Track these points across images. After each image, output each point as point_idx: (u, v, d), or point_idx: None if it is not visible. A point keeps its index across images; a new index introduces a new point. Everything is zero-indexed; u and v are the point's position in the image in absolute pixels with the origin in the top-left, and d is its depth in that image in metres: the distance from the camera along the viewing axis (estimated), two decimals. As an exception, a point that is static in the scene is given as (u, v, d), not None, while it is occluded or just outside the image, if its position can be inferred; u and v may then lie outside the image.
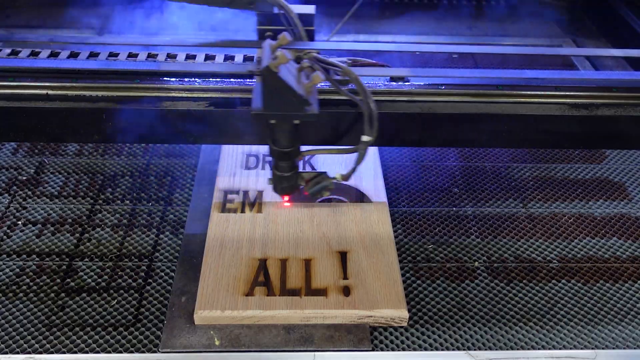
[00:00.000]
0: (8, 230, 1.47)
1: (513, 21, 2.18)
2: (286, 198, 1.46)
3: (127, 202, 1.57)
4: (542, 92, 1.22)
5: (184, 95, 1.18)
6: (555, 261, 1.45)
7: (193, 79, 1.20)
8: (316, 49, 1.23)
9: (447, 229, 1.52)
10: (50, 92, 1.16)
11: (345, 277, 1.31)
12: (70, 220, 1.51)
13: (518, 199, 1.62)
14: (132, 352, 1.21)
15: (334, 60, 1.17)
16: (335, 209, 1.47)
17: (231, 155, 1.63)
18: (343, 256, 1.35)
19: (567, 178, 1.70)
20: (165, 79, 1.21)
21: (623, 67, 1.72)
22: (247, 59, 1.30)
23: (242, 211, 1.46)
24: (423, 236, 1.50)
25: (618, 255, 1.47)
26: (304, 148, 1.23)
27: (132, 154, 1.73)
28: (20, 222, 1.50)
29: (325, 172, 1.29)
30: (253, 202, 1.49)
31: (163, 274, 1.38)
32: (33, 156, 1.71)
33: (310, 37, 1.29)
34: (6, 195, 1.58)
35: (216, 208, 1.47)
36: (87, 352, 1.21)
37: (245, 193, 1.51)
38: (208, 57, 1.31)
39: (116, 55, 1.29)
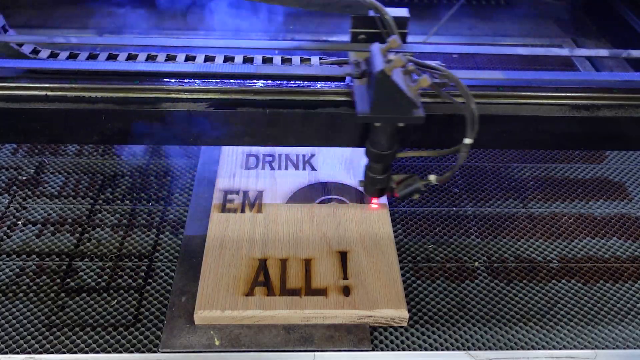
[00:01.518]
0: (8, 230, 1.47)
1: (513, 21, 2.19)
2: (375, 200, 1.46)
3: (127, 202, 1.57)
4: (543, 93, 1.22)
5: (184, 96, 1.18)
6: (555, 261, 1.45)
7: (192, 80, 1.20)
8: (415, 51, 1.24)
9: (447, 229, 1.52)
10: (49, 93, 1.16)
11: (345, 277, 1.31)
12: (70, 220, 1.51)
13: (518, 199, 1.62)
14: (132, 352, 1.21)
15: (431, 63, 1.18)
16: (335, 209, 1.47)
17: (231, 155, 1.63)
18: (343, 256, 1.35)
19: (567, 178, 1.70)
20: (165, 79, 1.20)
21: (623, 67, 1.72)
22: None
23: (242, 211, 1.46)
24: (423, 236, 1.50)
25: (618, 255, 1.47)
26: (403, 151, 1.23)
27: (132, 154, 1.73)
28: (20, 222, 1.50)
29: (416, 175, 1.28)
30: (253, 202, 1.49)
31: (163, 274, 1.38)
32: (33, 156, 1.71)
33: (403, 40, 1.30)
34: (6, 195, 1.58)
35: (216, 208, 1.47)
36: (87, 352, 1.21)
37: (245, 193, 1.51)
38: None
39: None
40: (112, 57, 1.30)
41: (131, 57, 1.30)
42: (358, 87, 1.16)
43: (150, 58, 1.31)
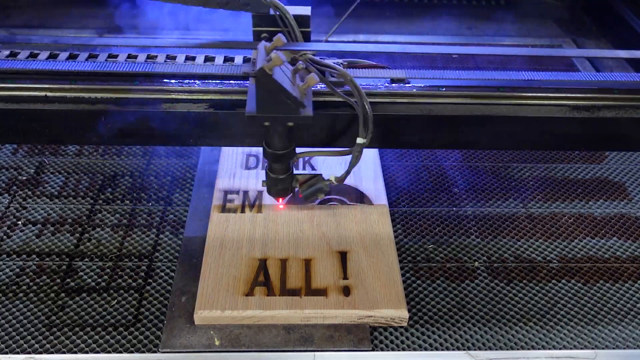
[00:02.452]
0: (8, 230, 1.47)
1: (513, 21, 2.18)
2: (281, 200, 1.45)
3: (127, 202, 1.57)
4: (543, 94, 1.22)
5: (184, 97, 1.18)
6: (555, 261, 1.45)
7: (192, 81, 1.20)
8: (312, 50, 1.23)
9: (447, 229, 1.52)
10: (49, 93, 1.16)
11: (345, 277, 1.31)
12: (70, 220, 1.51)
13: (518, 199, 1.62)
14: (132, 352, 1.21)
15: (329, 61, 1.17)
16: (335, 209, 1.47)
17: (231, 155, 1.63)
18: (343, 256, 1.35)
19: (567, 178, 1.70)
20: (165, 80, 1.21)
21: (624, 68, 1.72)
22: (246, 60, 1.30)
23: (242, 211, 1.46)
24: (423, 236, 1.50)
25: (618, 255, 1.47)
26: (298, 149, 1.22)
27: (132, 154, 1.73)
28: (20, 222, 1.50)
29: (320, 174, 1.29)
30: (253, 202, 1.49)
31: (163, 274, 1.38)
32: (33, 156, 1.71)
33: (307, 38, 1.29)
34: (6, 195, 1.58)
35: (216, 208, 1.47)
36: (87, 352, 1.21)
37: (245, 193, 1.51)
38: (208, 59, 1.31)
39: (115, 56, 1.29)
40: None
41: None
42: (250, 86, 1.15)
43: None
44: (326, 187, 1.27)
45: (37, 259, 1.40)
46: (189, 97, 1.18)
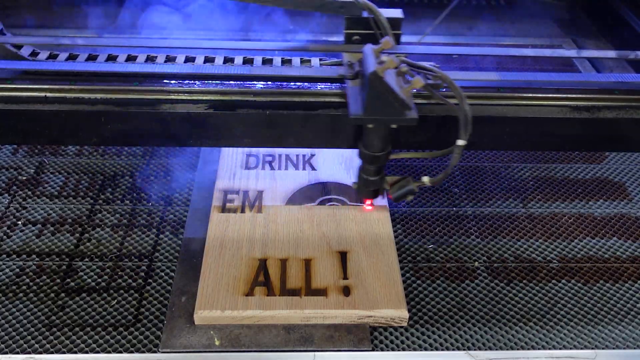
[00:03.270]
0: (8, 230, 1.47)
1: (513, 21, 2.18)
2: (368, 202, 1.46)
3: (127, 202, 1.57)
4: (544, 95, 1.21)
5: (184, 97, 1.18)
6: (555, 261, 1.45)
7: (192, 82, 1.20)
8: (408, 52, 1.24)
9: (447, 229, 1.52)
10: (48, 94, 1.16)
11: (345, 277, 1.31)
12: (70, 220, 1.51)
13: (518, 199, 1.62)
14: (132, 352, 1.21)
15: (424, 64, 1.17)
16: (335, 209, 1.47)
17: (231, 155, 1.63)
18: (343, 256, 1.36)
19: (567, 178, 1.70)
20: (165, 81, 1.20)
21: (624, 68, 1.71)
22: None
23: (242, 211, 1.46)
24: (423, 236, 1.50)
25: (618, 255, 1.47)
26: (395, 152, 1.22)
27: (132, 154, 1.73)
28: (20, 222, 1.50)
29: (410, 176, 1.28)
30: (253, 202, 1.49)
31: (163, 274, 1.38)
32: (33, 156, 1.71)
33: (397, 41, 1.29)
34: (6, 195, 1.58)
35: (216, 208, 1.47)
36: (87, 352, 1.21)
37: (246, 193, 1.51)
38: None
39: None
40: (111, 58, 1.30)
41: (131, 58, 1.30)
42: (351, 89, 1.15)
43: (150, 59, 1.31)
44: (416, 188, 1.26)
45: (37, 259, 1.40)
46: (189, 97, 1.18)
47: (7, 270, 1.37)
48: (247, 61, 1.31)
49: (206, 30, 1.78)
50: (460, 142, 1.12)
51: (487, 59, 2.05)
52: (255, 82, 1.21)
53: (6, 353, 1.20)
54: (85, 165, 1.68)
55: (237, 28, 1.79)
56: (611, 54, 1.41)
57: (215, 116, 1.18)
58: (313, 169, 1.60)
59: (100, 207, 1.55)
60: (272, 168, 1.59)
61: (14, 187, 1.60)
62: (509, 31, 2.13)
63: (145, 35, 1.83)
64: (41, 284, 1.34)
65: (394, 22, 1.27)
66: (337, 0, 1.28)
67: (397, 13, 1.28)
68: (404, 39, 1.33)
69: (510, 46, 2.03)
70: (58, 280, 1.35)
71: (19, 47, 1.30)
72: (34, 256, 1.41)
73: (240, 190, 1.52)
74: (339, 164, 1.61)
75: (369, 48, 1.13)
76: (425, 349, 1.24)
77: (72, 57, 1.29)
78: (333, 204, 1.49)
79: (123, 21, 1.88)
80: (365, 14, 1.28)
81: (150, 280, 1.36)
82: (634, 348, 1.26)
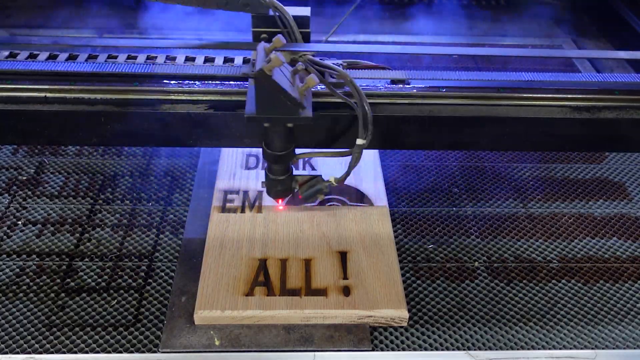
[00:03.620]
0: (8, 230, 1.47)
1: (513, 21, 2.18)
2: (280, 201, 1.45)
3: (127, 202, 1.57)
4: (544, 95, 1.21)
5: (184, 98, 1.18)
6: (555, 261, 1.45)
7: (192, 82, 1.20)
8: (311, 51, 1.22)
9: (447, 229, 1.52)
10: (48, 94, 1.16)
11: (345, 277, 1.31)
12: (70, 220, 1.51)
13: (518, 199, 1.62)
14: (132, 352, 1.21)
15: (329, 62, 1.17)
16: (335, 209, 1.47)
17: (231, 155, 1.63)
18: (343, 256, 1.36)
19: (567, 178, 1.70)
20: (164, 81, 1.20)
21: (624, 68, 1.72)
22: (246, 61, 1.30)
23: (242, 211, 1.46)
24: (423, 236, 1.50)
25: (618, 255, 1.47)
26: (298, 150, 1.22)
27: (132, 154, 1.73)
28: (20, 222, 1.50)
29: (319, 175, 1.29)
30: (253, 202, 1.49)
31: (163, 274, 1.38)
32: (33, 156, 1.71)
33: (306, 39, 1.29)
34: (6, 195, 1.58)
35: (216, 208, 1.47)
36: (87, 352, 1.21)
37: (245, 193, 1.51)
38: (207, 60, 1.30)
39: (115, 57, 1.29)
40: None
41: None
42: (250, 87, 1.15)
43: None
44: (326, 188, 1.27)
45: (37, 259, 1.40)
46: (189, 98, 1.18)
47: (7, 270, 1.37)
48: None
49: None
50: (360, 142, 1.12)
51: (486, 58, 2.05)
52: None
53: (6, 353, 1.20)
54: (85, 165, 1.68)
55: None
56: (610, 54, 1.41)
57: (215, 116, 1.18)
58: (313, 169, 1.60)
59: (100, 207, 1.55)
60: (272, 168, 1.59)
61: (14, 187, 1.60)
62: (509, 31, 2.13)
63: (145, 35, 1.84)
64: (41, 284, 1.34)
65: (302, 20, 1.27)
66: None
67: (304, 11, 1.28)
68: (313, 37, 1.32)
69: (511, 46, 2.03)
70: (58, 280, 1.35)
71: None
72: (34, 256, 1.41)
73: (240, 190, 1.52)
74: (339, 164, 1.61)
75: (261, 46, 1.12)
76: (425, 349, 1.24)
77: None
78: (333, 204, 1.49)
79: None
80: (271, 12, 1.27)
81: (150, 280, 1.36)
82: (634, 348, 1.26)
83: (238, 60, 1.31)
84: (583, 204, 1.62)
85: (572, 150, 1.71)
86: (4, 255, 1.41)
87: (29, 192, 1.59)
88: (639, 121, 1.22)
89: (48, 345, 1.22)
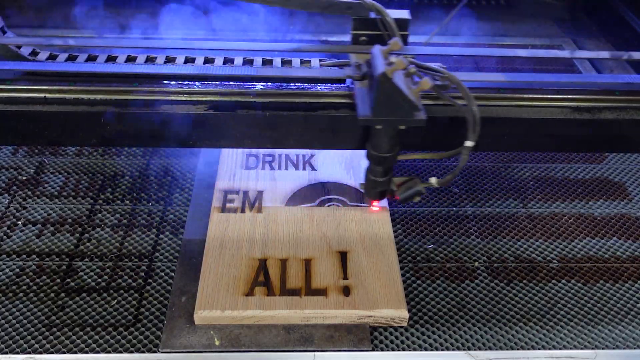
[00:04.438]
0: (8, 230, 1.47)
1: (513, 21, 2.18)
2: (375, 203, 1.45)
3: (127, 202, 1.57)
4: (544, 96, 1.21)
5: (183, 98, 1.18)
6: (555, 261, 1.45)
7: (192, 82, 1.20)
8: (415, 54, 1.24)
9: (447, 229, 1.52)
10: (48, 95, 1.16)
11: (345, 277, 1.31)
12: (70, 220, 1.51)
13: (518, 199, 1.62)
14: (132, 352, 1.21)
15: (433, 65, 1.17)
16: (335, 209, 1.47)
17: (231, 155, 1.63)
18: (343, 256, 1.36)
19: (567, 178, 1.70)
20: (164, 82, 1.20)
21: (624, 69, 1.71)
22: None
23: (242, 211, 1.46)
24: (423, 236, 1.50)
25: (618, 255, 1.47)
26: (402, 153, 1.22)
27: (132, 154, 1.73)
28: (20, 222, 1.50)
29: (417, 177, 1.28)
30: (253, 203, 1.49)
31: (163, 274, 1.38)
32: (33, 156, 1.71)
33: (405, 41, 1.29)
34: (6, 195, 1.58)
35: (216, 208, 1.47)
36: (87, 352, 1.21)
37: (245, 193, 1.51)
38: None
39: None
40: (111, 59, 1.30)
41: (130, 59, 1.30)
42: (359, 90, 1.15)
43: (150, 60, 1.31)
44: (424, 190, 1.26)
45: (37, 259, 1.40)
46: (189, 98, 1.18)
47: (7, 270, 1.37)
48: (248, 62, 1.31)
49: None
50: (469, 143, 1.12)
51: (490, 60, 2.05)
52: (255, 83, 1.21)
53: (6, 353, 1.20)
54: (85, 165, 1.68)
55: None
56: (607, 54, 1.41)
57: (215, 117, 1.18)
58: (313, 169, 1.60)
59: (100, 207, 1.55)
60: (272, 168, 1.59)
61: (14, 187, 1.60)
62: (510, 31, 2.13)
63: (144, 36, 1.83)
64: (41, 284, 1.34)
65: (401, 23, 1.27)
66: (344, 1, 1.28)
67: (404, 14, 1.28)
68: (412, 39, 1.32)
69: (512, 46, 2.03)
70: (58, 280, 1.35)
71: (19, 47, 1.30)
72: (34, 256, 1.41)
73: (240, 191, 1.52)
74: (339, 164, 1.61)
75: (377, 49, 1.13)
76: (425, 349, 1.24)
77: (71, 58, 1.29)
78: (333, 204, 1.49)
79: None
80: (372, 15, 1.28)
81: (150, 280, 1.36)
82: (634, 348, 1.26)
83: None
84: (583, 204, 1.62)
85: (572, 150, 1.71)
86: (4, 255, 1.41)
87: (29, 192, 1.59)
88: (639, 122, 1.21)
89: (48, 345, 1.22)
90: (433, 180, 1.22)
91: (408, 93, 1.05)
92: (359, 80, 1.19)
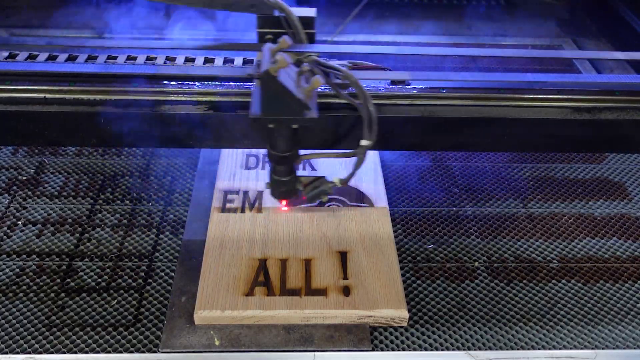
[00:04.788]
0: (8, 230, 1.47)
1: (513, 21, 2.18)
2: (284, 202, 1.45)
3: (127, 202, 1.57)
4: (544, 96, 1.21)
5: (183, 98, 1.18)
6: (555, 261, 1.45)
7: (192, 82, 1.20)
8: (316, 52, 1.22)
9: (447, 229, 1.52)
10: (47, 95, 1.16)
11: (345, 277, 1.31)
12: (70, 220, 1.51)
13: (518, 199, 1.62)
14: (132, 352, 1.21)
15: (334, 63, 1.17)
16: (335, 210, 1.47)
17: (231, 155, 1.63)
18: (343, 256, 1.36)
19: (567, 178, 1.70)
20: (164, 82, 1.20)
21: (624, 69, 1.71)
22: (246, 62, 1.30)
23: (242, 211, 1.46)
24: (423, 236, 1.50)
25: (618, 255, 1.47)
26: (302, 152, 1.22)
27: (132, 154, 1.73)
28: (20, 222, 1.50)
29: (323, 176, 1.29)
30: (253, 203, 1.49)
31: (163, 274, 1.38)
32: (33, 156, 1.71)
33: (311, 40, 1.28)
34: (6, 195, 1.58)
35: (216, 208, 1.47)
36: (87, 352, 1.21)
37: (245, 193, 1.51)
38: (207, 60, 1.30)
39: (114, 58, 1.29)
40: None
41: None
42: (255, 89, 1.15)
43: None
44: (330, 189, 1.27)
45: (37, 259, 1.40)
46: (189, 98, 1.18)
47: (7, 270, 1.37)
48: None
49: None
50: (364, 143, 1.12)
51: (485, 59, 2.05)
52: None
53: (6, 353, 1.20)
54: (85, 165, 1.68)
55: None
56: (607, 54, 1.41)
57: (215, 117, 1.18)
58: (313, 168, 1.60)
59: (100, 207, 1.55)
60: (272, 168, 1.59)
61: (14, 187, 1.60)
62: (510, 31, 2.13)
63: (144, 36, 1.83)
64: (41, 284, 1.34)
65: (307, 21, 1.26)
66: None
67: (310, 12, 1.27)
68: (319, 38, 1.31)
69: (511, 46, 2.03)
70: (58, 280, 1.35)
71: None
72: (34, 256, 1.41)
73: (240, 191, 1.52)
74: (339, 164, 1.61)
75: (266, 47, 1.12)
76: (425, 349, 1.24)
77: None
78: (333, 204, 1.49)
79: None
80: (276, 13, 1.27)
81: (150, 280, 1.36)
82: (634, 348, 1.26)
83: (238, 60, 1.31)
84: (583, 204, 1.62)
85: (572, 151, 1.71)
86: (4, 255, 1.41)
87: (29, 192, 1.59)
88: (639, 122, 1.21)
89: (48, 345, 1.22)
90: (336, 180, 1.24)
91: (296, 91, 1.04)
92: (257, 79, 1.18)
